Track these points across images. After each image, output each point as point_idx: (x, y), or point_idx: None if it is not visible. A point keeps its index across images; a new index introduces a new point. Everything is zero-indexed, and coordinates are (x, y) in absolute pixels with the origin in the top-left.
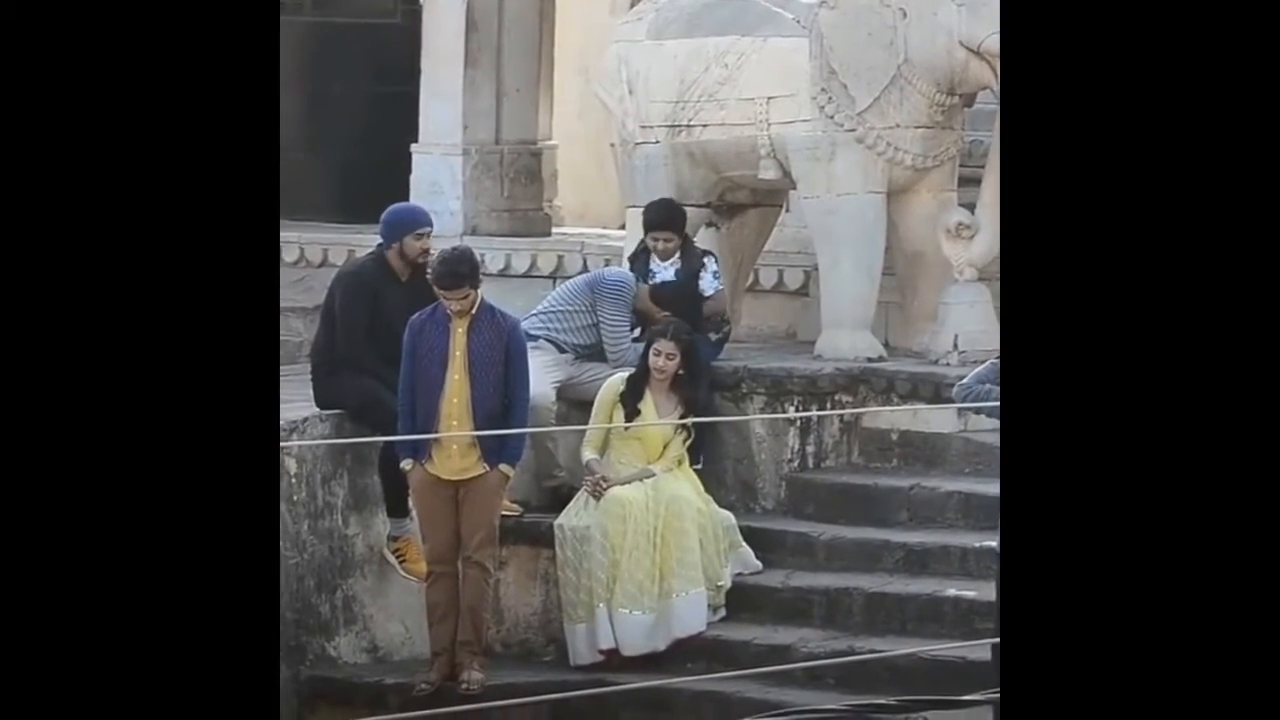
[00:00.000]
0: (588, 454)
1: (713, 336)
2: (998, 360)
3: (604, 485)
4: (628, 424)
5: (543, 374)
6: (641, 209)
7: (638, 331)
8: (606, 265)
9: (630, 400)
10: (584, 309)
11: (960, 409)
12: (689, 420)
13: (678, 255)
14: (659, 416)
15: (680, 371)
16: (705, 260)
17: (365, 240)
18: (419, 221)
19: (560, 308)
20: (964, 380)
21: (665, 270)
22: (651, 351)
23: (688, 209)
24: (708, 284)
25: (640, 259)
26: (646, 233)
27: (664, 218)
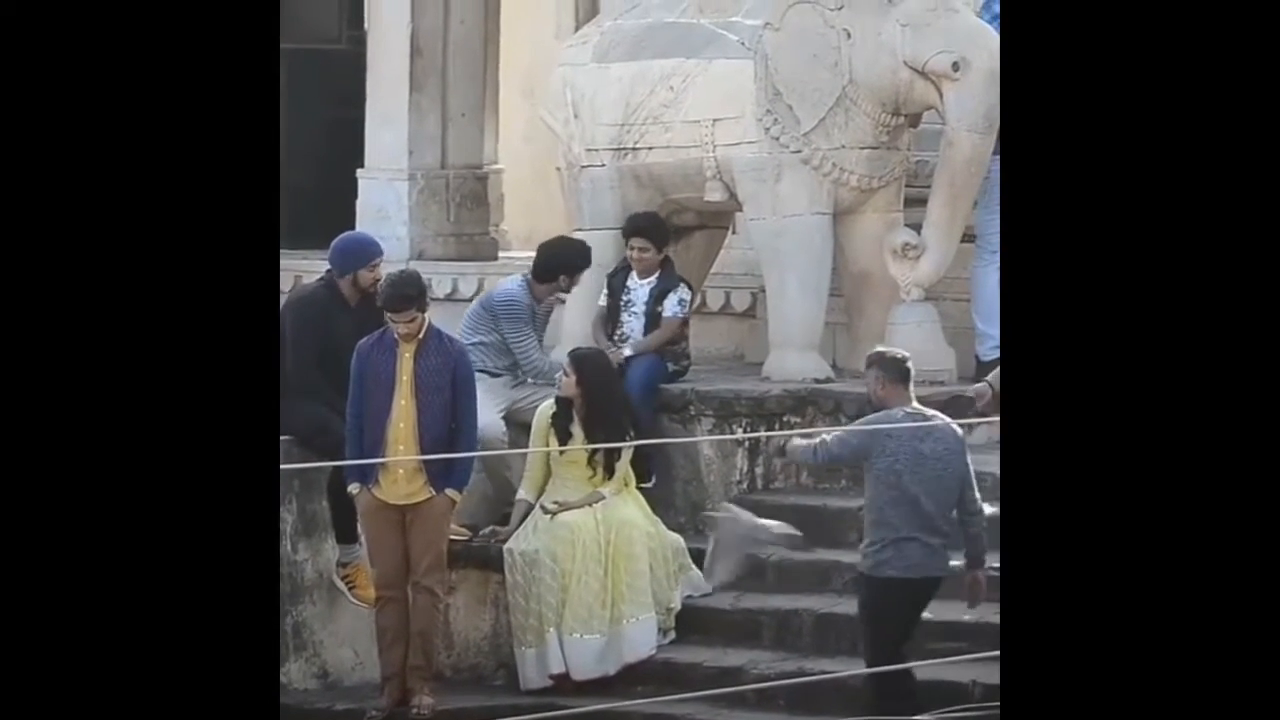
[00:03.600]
0: (523, 495)
1: (670, 367)
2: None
3: (558, 508)
4: (560, 448)
5: (487, 403)
6: (587, 232)
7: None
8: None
9: (561, 423)
10: (489, 330)
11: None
12: (628, 444)
13: (655, 276)
14: (586, 440)
15: (578, 393)
16: (678, 285)
17: (311, 266)
18: (374, 253)
19: (471, 338)
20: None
21: (640, 288)
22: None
23: None
24: (669, 307)
25: (619, 276)
26: (626, 240)
27: (642, 224)
